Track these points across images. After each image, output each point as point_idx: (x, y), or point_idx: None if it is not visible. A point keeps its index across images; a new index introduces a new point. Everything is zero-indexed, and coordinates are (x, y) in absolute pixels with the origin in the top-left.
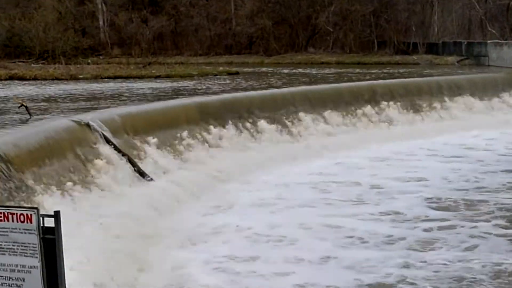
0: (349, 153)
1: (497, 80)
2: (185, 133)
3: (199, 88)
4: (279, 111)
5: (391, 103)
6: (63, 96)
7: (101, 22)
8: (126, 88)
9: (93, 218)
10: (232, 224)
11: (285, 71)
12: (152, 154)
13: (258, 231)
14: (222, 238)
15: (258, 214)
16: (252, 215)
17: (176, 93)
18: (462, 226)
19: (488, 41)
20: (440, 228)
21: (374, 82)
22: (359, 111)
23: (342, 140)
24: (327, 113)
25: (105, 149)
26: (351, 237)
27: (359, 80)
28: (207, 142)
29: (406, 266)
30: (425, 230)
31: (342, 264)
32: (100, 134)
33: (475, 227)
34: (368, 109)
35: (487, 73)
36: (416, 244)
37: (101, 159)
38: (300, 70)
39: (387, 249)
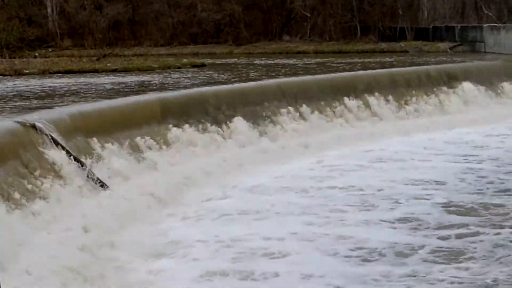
0: (336, 152)
1: (495, 69)
2: (145, 134)
3: (161, 82)
4: (251, 107)
5: (378, 96)
6: (6, 94)
7: (49, 10)
8: (77, 83)
9: (39, 232)
10: (208, 237)
11: (258, 62)
12: (108, 158)
13: (245, 245)
14: (192, 253)
15: (240, 225)
16: (230, 225)
17: (135, 89)
18: (485, 234)
19: (484, 25)
20: (460, 236)
21: (359, 73)
22: (342, 106)
23: (326, 138)
24: (306, 109)
25: (54, 153)
26: (362, 248)
27: (341, 70)
28: (170, 144)
29: (429, 281)
30: (443, 239)
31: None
32: (47, 137)
33: (498, 233)
34: (352, 103)
35: (484, 61)
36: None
37: (49, 165)
38: (275, 60)
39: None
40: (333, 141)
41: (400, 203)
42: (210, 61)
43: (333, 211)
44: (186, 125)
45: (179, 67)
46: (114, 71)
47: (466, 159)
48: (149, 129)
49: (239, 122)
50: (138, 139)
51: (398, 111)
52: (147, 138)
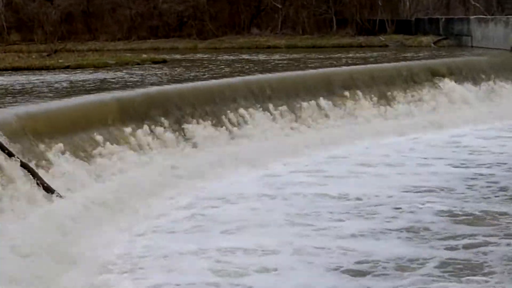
0: (315, 157)
1: (483, 65)
2: (101, 137)
3: (119, 80)
4: (216, 107)
5: (355, 94)
6: None
7: None
8: (26, 81)
9: None
10: (170, 252)
11: (224, 57)
12: (60, 163)
13: (221, 259)
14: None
15: (209, 239)
16: (198, 239)
17: (90, 87)
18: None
19: (471, 17)
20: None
21: (334, 69)
22: (318, 105)
23: (300, 140)
24: (277, 109)
25: (0, 159)
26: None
27: (316, 67)
28: (129, 148)
29: None
30: (450, 249)
31: None
32: None
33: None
34: (325, 102)
35: (471, 56)
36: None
37: None
38: (243, 56)
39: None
40: (306, 143)
41: (402, 211)
42: (172, 56)
43: (329, 221)
44: (145, 127)
45: (138, 63)
46: (66, 68)
47: (464, 164)
48: (105, 131)
49: (202, 123)
50: (91, 142)
51: (377, 110)
52: (102, 141)
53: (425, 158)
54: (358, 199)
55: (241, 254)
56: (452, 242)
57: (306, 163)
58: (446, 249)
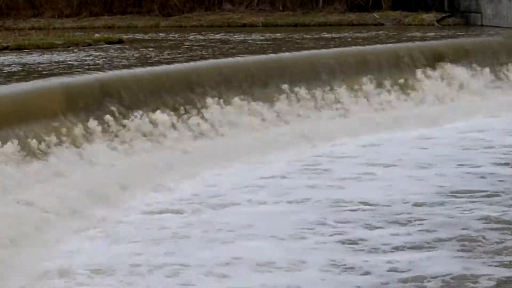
0: (308, 154)
1: (495, 47)
2: (44, 130)
3: (66, 63)
4: (178, 96)
5: (347, 82)
6: None
7: None
8: None
9: None
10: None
11: (192, 37)
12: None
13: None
14: None
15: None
16: (161, 252)
17: (32, 72)
18: None
19: None
20: None
21: (318, 52)
22: (301, 94)
23: (282, 134)
24: (248, 99)
25: None
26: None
27: (298, 49)
28: (76, 143)
29: None
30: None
31: None
32: None
33: None
34: (315, 92)
35: (481, 37)
36: None
37: None
38: (214, 36)
39: None
40: (295, 139)
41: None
42: (129, 36)
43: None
44: (96, 121)
45: (89, 44)
46: (5, 48)
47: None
48: (50, 124)
49: (160, 115)
50: (32, 137)
51: (369, 101)
52: (46, 136)
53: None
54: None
55: None
56: (508, 258)
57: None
58: (502, 265)
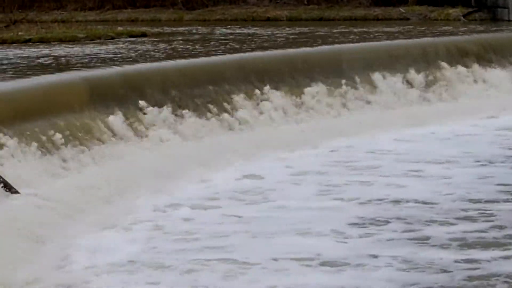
0: (330, 148)
1: None
2: (65, 125)
3: (89, 57)
4: (205, 90)
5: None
6: None
7: None
8: None
9: None
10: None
11: (217, 31)
12: (15, 154)
13: None
14: None
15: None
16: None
17: (55, 65)
18: None
19: None
20: None
21: (341, 46)
22: (318, 90)
23: (298, 131)
24: (271, 93)
25: None
26: None
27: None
28: (98, 138)
29: None
30: None
31: None
32: None
33: None
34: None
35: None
36: None
37: None
38: (239, 30)
39: None
40: (318, 133)
41: None
42: (153, 30)
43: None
44: (120, 114)
45: (112, 38)
46: (27, 41)
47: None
48: (71, 119)
49: (187, 110)
50: (56, 131)
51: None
52: (67, 131)
53: None
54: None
55: None
56: None
57: None
58: None
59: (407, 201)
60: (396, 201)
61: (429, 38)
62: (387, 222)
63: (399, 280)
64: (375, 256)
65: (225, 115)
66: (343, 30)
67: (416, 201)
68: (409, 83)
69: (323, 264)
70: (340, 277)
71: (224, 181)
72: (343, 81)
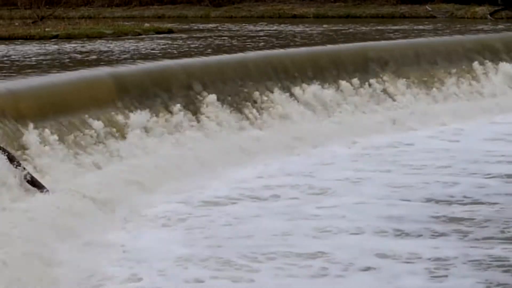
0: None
1: None
2: (95, 120)
3: (116, 53)
4: (233, 86)
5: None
6: None
7: None
8: (7, 53)
9: None
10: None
11: (245, 28)
12: (45, 150)
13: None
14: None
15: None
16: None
17: (82, 61)
18: None
19: None
20: None
21: (369, 44)
22: (351, 86)
23: (329, 127)
24: (305, 89)
25: None
26: None
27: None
28: (126, 133)
29: None
30: None
31: None
32: None
33: None
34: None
35: None
36: None
37: None
38: (267, 27)
39: None
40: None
41: None
42: (179, 26)
43: None
44: (146, 109)
45: (139, 34)
46: (55, 37)
47: None
48: (100, 113)
49: (213, 106)
50: (85, 127)
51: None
52: (94, 126)
53: None
54: None
55: None
56: None
57: None
58: None
59: None
60: None
61: None
62: None
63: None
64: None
65: None
66: (386, 28)
67: None
68: None
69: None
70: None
71: None
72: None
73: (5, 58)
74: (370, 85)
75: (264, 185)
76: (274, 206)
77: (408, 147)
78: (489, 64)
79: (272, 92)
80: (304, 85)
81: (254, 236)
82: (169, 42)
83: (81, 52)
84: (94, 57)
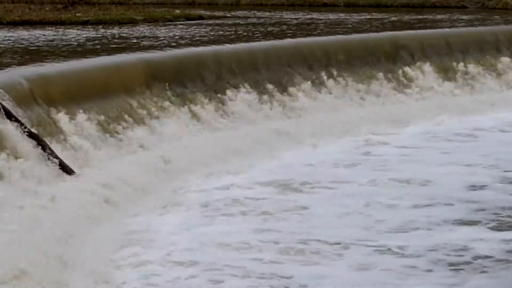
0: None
1: None
2: (124, 105)
3: (147, 39)
4: (264, 75)
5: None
6: None
7: None
8: (38, 37)
9: None
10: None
11: (275, 15)
12: (75, 135)
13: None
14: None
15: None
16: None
17: (112, 47)
18: None
19: None
20: None
21: (400, 33)
22: (377, 76)
23: (360, 116)
24: (333, 78)
25: (6, 127)
26: None
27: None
28: (157, 118)
29: None
30: None
31: None
32: None
33: None
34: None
35: None
36: None
37: (0, 143)
38: (296, 15)
39: None
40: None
41: None
42: (209, 13)
43: None
44: (175, 95)
45: (169, 20)
46: (85, 23)
47: None
48: (130, 99)
49: (244, 94)
50: (114, 112)
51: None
52: (124, 110)
53: None
54: None
55: None
56: None
57: None
58: None
59: None
60: None
61: None
62: None
63: None
64: None
65: None
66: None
67: None
68: None
69: None
70: None
71: None
72: None
73: (35, 43)
74: None
75: None
76: None
77: None
78: None
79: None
80: None
81: None
82: (199, 28)
83: (112, 38)
84: (124, 42)
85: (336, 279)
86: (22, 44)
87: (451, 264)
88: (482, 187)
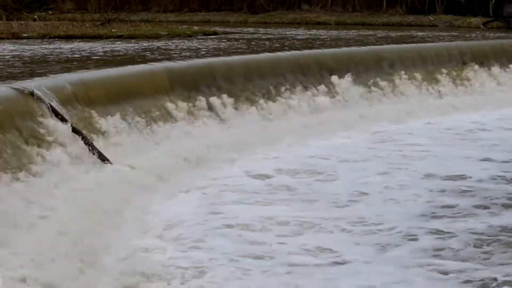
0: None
1: None
2: (152, 106)
3: (170, 51)
4: (266, 81)
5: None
6: (3, 58)
7: None
8: (80, 49)
9: (32, 208)
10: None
11: (277, 31)
12: (111, 131)
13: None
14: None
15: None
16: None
17: (142, 57)
18: None
19: None
20: None
21: (383, 47)
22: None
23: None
24: (323, 88)
25: (54, 124)
26: None
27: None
28: (178, 118)
29: None
30: None
31: None
32: (46, 105)
33: None
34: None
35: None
36: None
37: (49, 137)
38: (295, 32)
39: None
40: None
41: None
42: (222, 29)
43: None
44: (196, 100)
45: (189, 35)
46: (119, 37)
47: None
48: (156, 101)
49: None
50: (144, 112)
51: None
52: (151, 112)
53: None
54: None
55: None
56: None
57: None
58: None
59: None
60: None
61: None
62: None
63: None
64: None
65: None
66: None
67: None
68: None
69: None
70: None
71: None
72: None
73: (79, 53)
74: None
75: None
76: None
77: None
78: None
79: None
80: None
81: None
82: (214, 42)
83: (141, 50)
84: (151, 54)
85: None
86: (69, 54)
87: None
88: None
